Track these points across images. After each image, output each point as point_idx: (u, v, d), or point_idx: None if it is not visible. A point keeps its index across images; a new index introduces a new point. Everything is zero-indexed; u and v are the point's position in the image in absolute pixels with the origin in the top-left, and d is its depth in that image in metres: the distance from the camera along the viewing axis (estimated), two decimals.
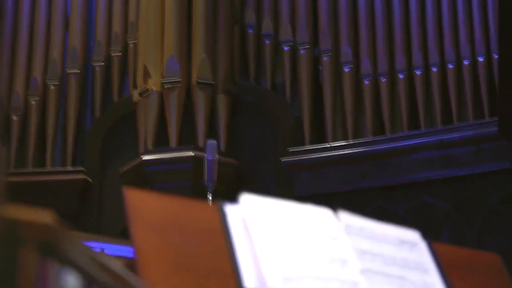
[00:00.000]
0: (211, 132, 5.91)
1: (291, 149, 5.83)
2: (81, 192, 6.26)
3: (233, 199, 1.71)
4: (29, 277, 0.89)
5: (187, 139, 5.98)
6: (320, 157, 5.71)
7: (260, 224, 1.63)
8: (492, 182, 5.13)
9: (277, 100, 6.18)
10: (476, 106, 5.48)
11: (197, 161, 5.53)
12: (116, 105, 6.47)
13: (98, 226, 6.08)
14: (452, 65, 5.62)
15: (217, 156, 3.46)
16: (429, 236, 1.97)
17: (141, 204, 1.53)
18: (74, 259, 0.97)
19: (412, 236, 1.86)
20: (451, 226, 5.16)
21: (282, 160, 5.81)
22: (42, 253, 0.90)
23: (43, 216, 0.90)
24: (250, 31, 6.32)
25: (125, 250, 2.70)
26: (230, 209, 1.65)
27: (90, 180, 6.26)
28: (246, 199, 1.67)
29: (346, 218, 1.78)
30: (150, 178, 5.74)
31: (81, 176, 6.25)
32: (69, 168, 6.32)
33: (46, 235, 0.90)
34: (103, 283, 1.06)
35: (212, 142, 3.41)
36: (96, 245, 2.91)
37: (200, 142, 5.82)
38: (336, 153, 5.68)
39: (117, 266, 1.14)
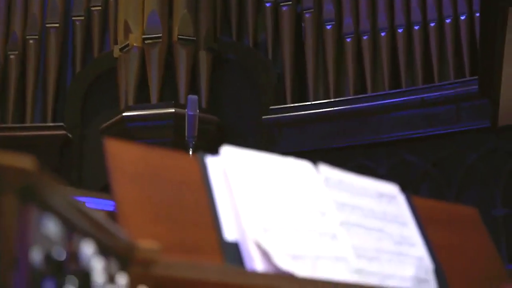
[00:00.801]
0: (193, 89, 5.89)
1: (272, 107, 5.83)
2: (61, 148, 6.24)
3: (214, 156, 1.72)
4: (9, 223, 0.88)
5: (168, 95, 5.96)
6: (302, 114, 5.71)
7: (240, 176, 1.63)
8: (471, 140, 5.16)
9: (259, 57, 6.16)
10: (457, 64, 5.49)
11: (178, 118, 5.52)
12: (97, 60, 6.42)
13: (78, 182, 6.07)
14: (434, 23, 5.62)
15: (198, 111, 3.44)
16: (409, 193, 1.99)
17: (122, 155, 1.53)
18: (55, 205, 0.97)
19: (391, 189, 1.88)
20: (430, 183, 5.21)
21: (264, 118, 5.81)
22: (22, 198, 0.90)
23: (24, 162, 0.89)
24: None
25: (105, 204, 2.70)
26: (210, 161, 1.65)
27: (71, 136, 6.23)
28: (227, 151, 1.67)
29: (326, 171, 1.79)
30: (131, 134, 5.72)
31: (61, 132, 6.22)
32: (50, 123, 6.29)
33: (26, 181, 0.90)
34: (84, 231, 1.06)
35: (193, 97, 3.39)
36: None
37: (182, 99, 5.80)
38: (317, 111, 5.69)
39: (99, 215, 1.14)
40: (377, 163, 5.37)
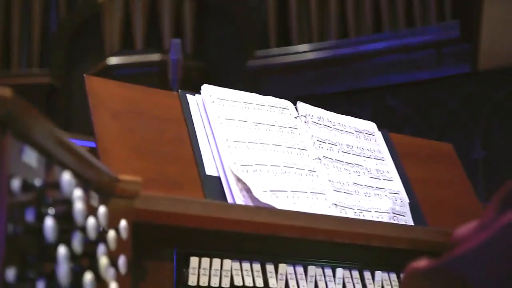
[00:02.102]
0: (177, 35, 5.85)
1: (258, 52, 5.81)
2: (48, 95, 6.22)
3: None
4: None
5: (153, 41, 5.93)
6: (285, 63, 5.69)
7: (221, 113, 1.65)
8: (452, 85, 5.17)
9: (244, 3, 6.12)
10: (439, 8, 5.44)
11: (163, 65, 5.50)
12: (81, 6, 6.36)
13: (65, 129, 6.06)
14: None
15: (183, 58, 3.43)
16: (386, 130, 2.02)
17: (102, 91, 1.55)
18: (35, 135, 0.98)
19: (369, 126, 1.91)
20: (412, 128, 5.23)
21: (248, 64, 5.81)
22: (0, 127, 0.90)
23: (2, 91, 0.90)
24: None
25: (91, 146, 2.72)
26: (191, 98, 1.67)
27: (56, 84, 6.21)
28: (208, 88, 1.69)
29: (305, 108, 1.81)
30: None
31: (47, 80, 6.20)
32: (35, 71, 6.25)
33: (4, 109, 0.90)
34: (65, 162, 1.07)
35: (176, 40, 3.38)
36: None
37: (166, 45, 5.77)
38: (300, 60, 5.67)
39: (81, 148, 1.15)
40: (360, 108, 5.37)
